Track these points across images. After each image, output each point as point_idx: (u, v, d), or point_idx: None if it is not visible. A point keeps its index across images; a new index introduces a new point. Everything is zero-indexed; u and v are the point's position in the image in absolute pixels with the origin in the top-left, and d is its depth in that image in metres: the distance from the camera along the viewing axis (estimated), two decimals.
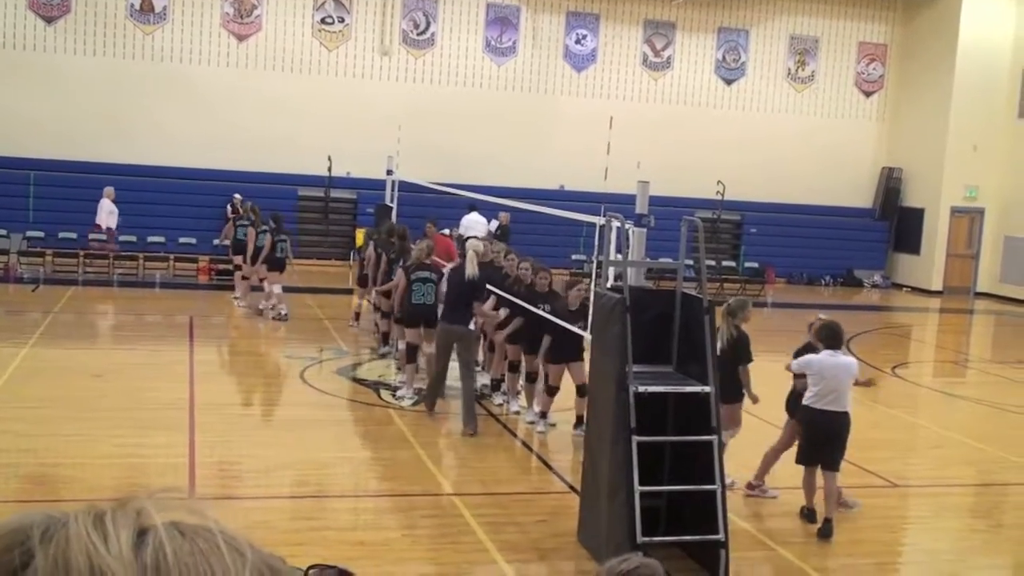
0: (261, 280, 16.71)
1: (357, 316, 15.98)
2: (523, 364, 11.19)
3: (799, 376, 8.53)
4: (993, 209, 26.50)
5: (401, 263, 12.68)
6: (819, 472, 8.22)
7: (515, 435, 10.69)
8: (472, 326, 11.25)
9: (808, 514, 8.39)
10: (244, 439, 10.15)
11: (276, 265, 16.37)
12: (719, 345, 8.38)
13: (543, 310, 10.51)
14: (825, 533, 8.07)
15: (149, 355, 13.77)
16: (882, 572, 7.83)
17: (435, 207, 19.68)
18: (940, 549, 8.56)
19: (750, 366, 8.82)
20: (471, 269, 10.83)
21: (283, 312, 16.26)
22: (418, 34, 25.11)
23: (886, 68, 28.06)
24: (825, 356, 8.21)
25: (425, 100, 24.68)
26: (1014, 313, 24.26)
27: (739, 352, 8.74)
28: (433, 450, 10.06)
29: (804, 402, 8.29)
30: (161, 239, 21.68)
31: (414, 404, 11.43)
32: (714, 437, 6.98)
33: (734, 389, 8.65)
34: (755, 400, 8.85)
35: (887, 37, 27.95)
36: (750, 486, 8.91)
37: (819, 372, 8.17)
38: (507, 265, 11.74)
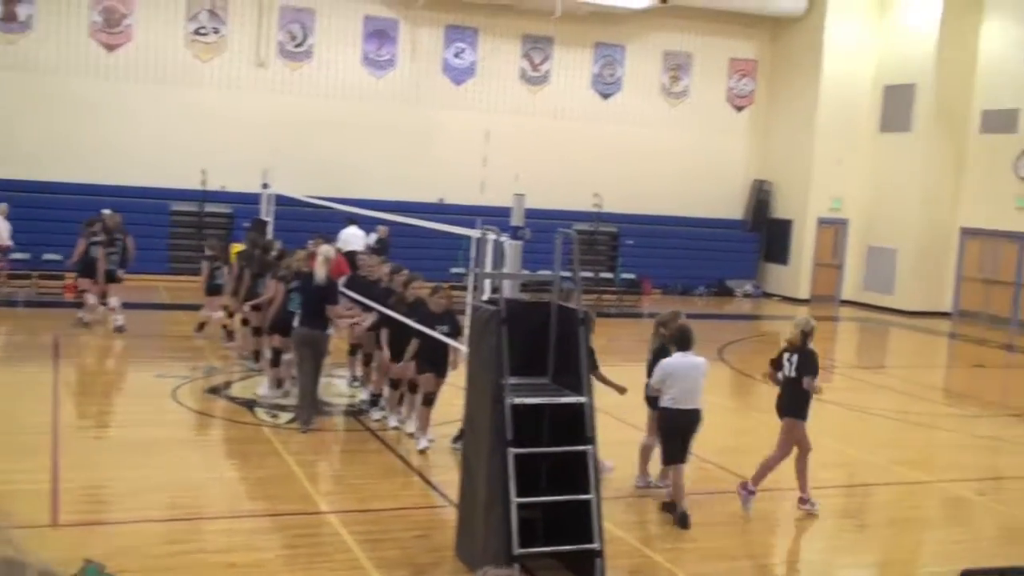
0: (100, 295, 16.36)
1: (230, 334, 15.56)
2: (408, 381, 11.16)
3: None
4: (856, 220, 27.54)
5: (272, 274, 12.65)
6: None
7: (393, 451, 10.60)
8: (331, 331, 11.44)
9: (682, 517, 8.59)
10: (112, 461, 9.81)
11: (88, 272, 16.21)
12: (647, 355, 9.36)
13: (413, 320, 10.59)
14: (683, 523, 8.58)
15: (11, 376, 13.23)
16: (758, 575, 8.01)
17: (312, 221, 19.46)
18: (813, 549, 8.83)
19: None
20: (321, 274, 11.08)
21: (118, 323, 16.03)
22: (295, 46, 24.80)
23: (756, 84, 28.92)
24: (678, 358, 8.75)
25: (302, 113, 24.39)
26: (876, 320, 25.23)
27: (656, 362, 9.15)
28: (309, 468, 9.89)
29: (663, 404, 8.84)
30: (25, 256, 20.86)
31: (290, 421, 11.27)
32: (589, 447, 7.05)
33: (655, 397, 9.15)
34: (622, 391, 9.43)
35: (757, 54, 28.82)
36: (745, 486, 9.26)
37: (672, 374, 8.74)
38: (385, 277, 12.01)
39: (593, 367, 8.80)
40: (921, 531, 9.47)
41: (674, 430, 8.78)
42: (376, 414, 11.72)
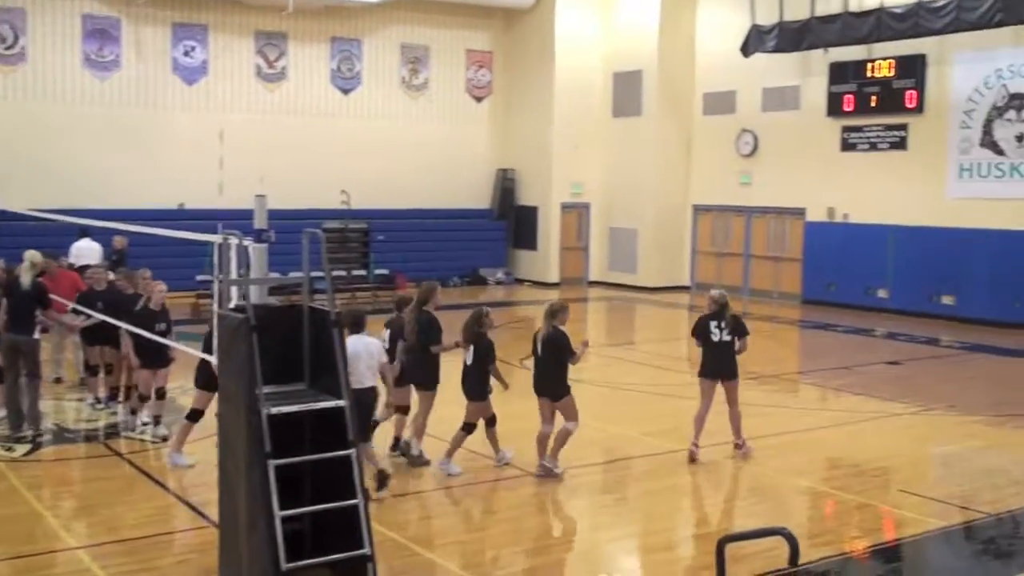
0: None
1: None
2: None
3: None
4: (597, 203, 28.60)
5: None
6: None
7: (147, 474, 10.03)
8: (36, 335, 11.31)
9: (380, 475, 9.20)
10: None
11: None
12: (539, 345, 9.80)
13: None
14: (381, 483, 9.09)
15: None
16: (528, 559, 8.11)
17: (42, 236, 18.20)
18: (582, 528, 9.05)
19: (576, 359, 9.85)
20: (26, 279, 11.14)
21: None
22: (6, 48, 23.06)
23: (493, 74, 29.42)
24: (353, 340, 8.97)
25: (22, 120, 22.76)
26: (622, 298, 26.32)
27: (559, 350, 9.76)
28: (52, 502, 9.21)
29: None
30: None
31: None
32: (351, 451, 6.89)
33: (561, 385, 9.81)
34: (586, 344, 10.25)
35: (492, 45, 29.31)
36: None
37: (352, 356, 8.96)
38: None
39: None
40: (679, 499, 9.89)
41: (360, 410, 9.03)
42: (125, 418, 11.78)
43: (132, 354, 11.30)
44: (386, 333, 10.52)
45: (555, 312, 9.97)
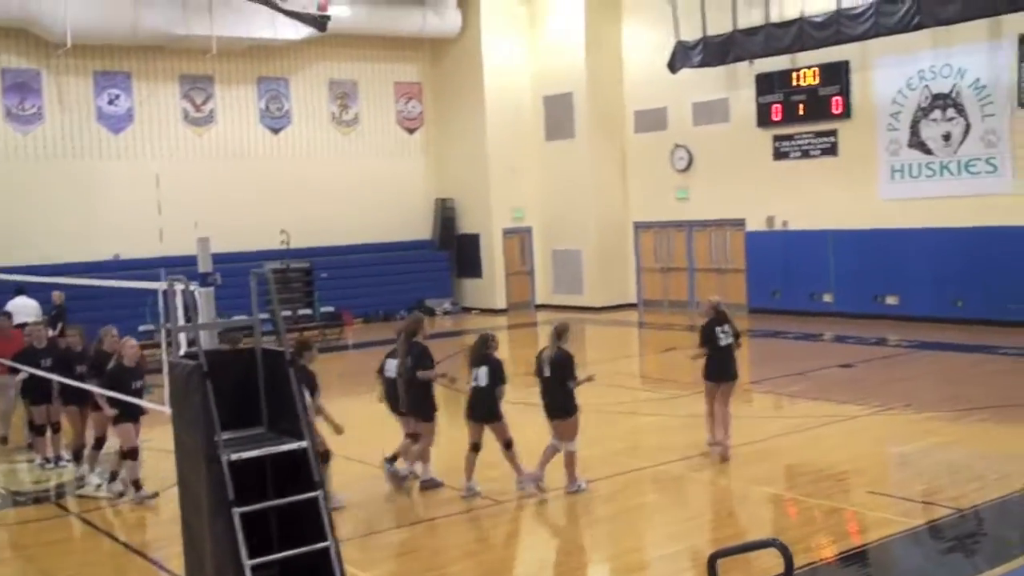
0: None
1: None
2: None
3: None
4: (539, 227, 28.60)
5: None
6: None
7: (106, 532, 9.70)
8: None
9: None
10: None
11: None
12: (546, 366, 9.92)
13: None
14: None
15: None
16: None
17: None
18: (555, 550, 8.88)
19: (576, 383, 10.00)
20: None
21: None
22: None
23: (424, 105, 29.36)
24: None
25: None
26: (570, 319, 26.23)
27: (565, 370, 9.92)
28: (8, 567, 8.84)
29: None
30: None
31: None
32: (318, 492, 6.69)
33: (567, 404, 9.96)
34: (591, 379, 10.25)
35: (420, 76, 29.26)
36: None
37: None
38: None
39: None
40: (649, 516, 9.80)
41: None
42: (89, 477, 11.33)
43: (107, 407, 10.71)
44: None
45: (560, 333, 10.12)
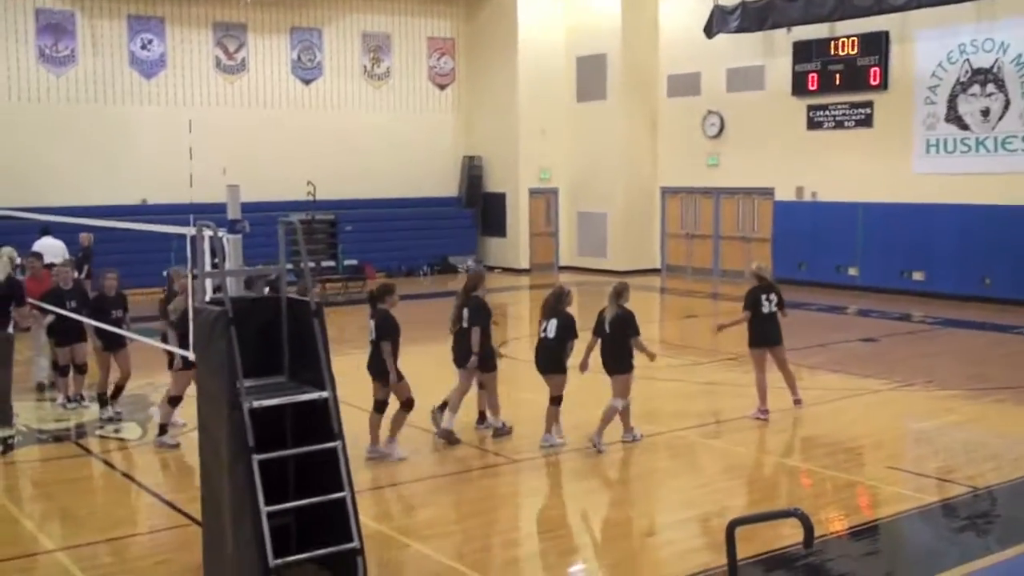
0: None
1: None
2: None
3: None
4: (565, 188, 28.51)
5: None
6: None
7: (124, 472, 9.83)
8: (11, 329, 10.94)
9: None
10: None
11: None
12: (606, 323, 10.28)
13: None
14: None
15: None
16: (519, 548, 8.00)
17: (3, 234, 17.82)
18: (571, 512, 8.92)
19: (640, 337, 10.39)
20: (0, 275, 11.46)
21: None
22: None
23: (456, 62, 29.20)
24: None
25: None
26: (592, 282, 26.14)
27: (627, 327, 10.30)
28: (27, 504, 8.99)
29: None
30: None
31: None
32: (337, 443, 6.74)
33: (625, 361, 10.31)
34: (653, 358, 10.50)
35: (454, 32, 29.08)
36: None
37: None
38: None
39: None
40: (662, 481, 9.81)
41: None
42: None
43: (93, 337, 11.66)
44: (371, 324, 10.32)
45: (619, 292, 10.50)
